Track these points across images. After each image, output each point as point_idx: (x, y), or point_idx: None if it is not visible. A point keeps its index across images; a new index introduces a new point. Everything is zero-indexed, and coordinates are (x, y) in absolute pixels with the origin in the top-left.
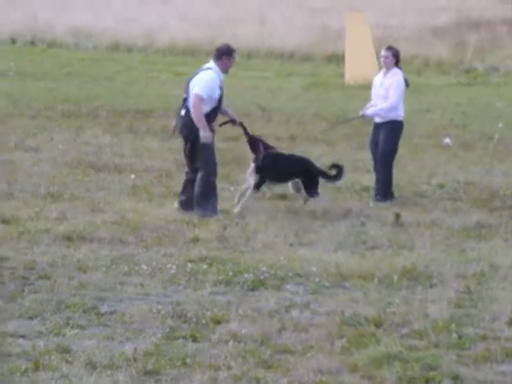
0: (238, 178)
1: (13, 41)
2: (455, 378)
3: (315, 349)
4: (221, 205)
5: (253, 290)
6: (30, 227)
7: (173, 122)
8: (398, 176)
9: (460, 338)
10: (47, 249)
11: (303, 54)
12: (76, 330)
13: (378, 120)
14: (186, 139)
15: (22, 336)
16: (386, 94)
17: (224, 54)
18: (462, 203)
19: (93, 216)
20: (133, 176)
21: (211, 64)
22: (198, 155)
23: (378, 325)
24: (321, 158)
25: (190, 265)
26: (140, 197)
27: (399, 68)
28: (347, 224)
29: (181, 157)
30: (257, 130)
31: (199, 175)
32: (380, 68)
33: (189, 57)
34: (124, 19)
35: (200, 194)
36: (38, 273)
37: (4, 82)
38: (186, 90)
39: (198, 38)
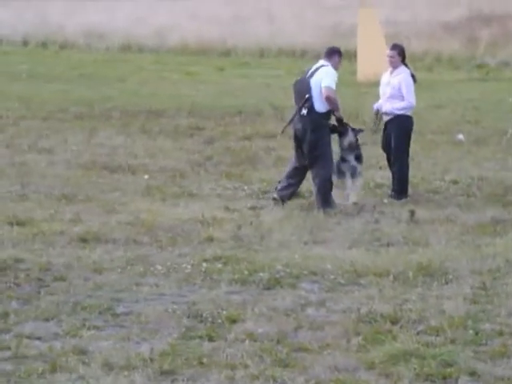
0: (251, 178)
1: (25, 43)
2: (472, 374)
3: (331, 347)
4: (234, 204)
5: (268, 288)
6: (44, 229)
7: (288, 119)
8: (412, 173)
9: (476, 333)
10: (62, 250)
11: (315, 51)
12: (92, 331)
13: (386, 118)
14: (303, 138)
15: (39, 338)
16: (393, 92)
17: (337, 52)
18: (476, 199)
19: (107, 217)
20: (146, 176)
21: (324, 62)
22: (316, 155)
23: (394, 322)
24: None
25: (204, 264)
26: (154, 197)
27: (406, 65)
28: (361, 221)
29: (194, 157)
30: (269, 128)
31: (315, 173)
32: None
33: (201, 56)
34: (135, 19)
35: (321, 192)
36: (54, 274)
37: (17, 84)
38: (308, 90)
39: (209, 37)
